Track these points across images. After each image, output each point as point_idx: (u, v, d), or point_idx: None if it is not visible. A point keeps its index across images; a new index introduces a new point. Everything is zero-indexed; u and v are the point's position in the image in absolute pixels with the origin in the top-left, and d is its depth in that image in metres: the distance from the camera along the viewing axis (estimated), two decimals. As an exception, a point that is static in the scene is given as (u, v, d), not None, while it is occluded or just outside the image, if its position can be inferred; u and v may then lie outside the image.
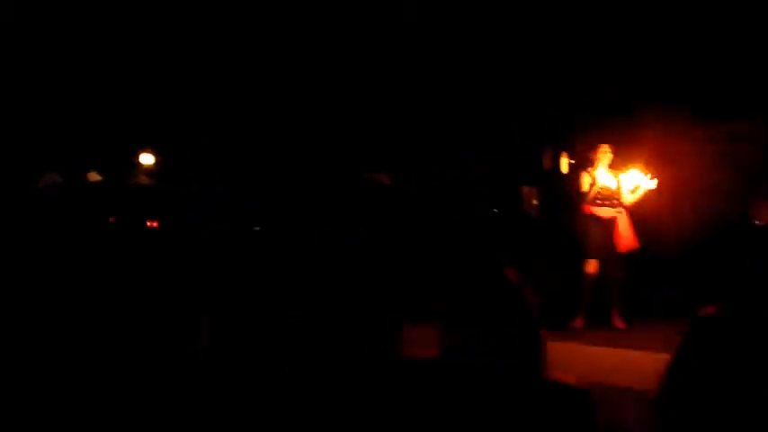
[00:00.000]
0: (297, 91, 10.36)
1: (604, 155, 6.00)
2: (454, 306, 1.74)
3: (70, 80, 11.22)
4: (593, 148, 6.09)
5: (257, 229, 10.92)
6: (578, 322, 5.95)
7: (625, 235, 5.84)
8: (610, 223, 5.83)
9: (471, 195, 9.64)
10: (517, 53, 8.98)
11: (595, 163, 6.02)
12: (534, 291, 1.76)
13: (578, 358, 4.62)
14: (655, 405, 1.49)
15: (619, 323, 5.93)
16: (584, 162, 6.23)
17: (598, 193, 5.88)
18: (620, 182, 5.92)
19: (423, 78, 9.60)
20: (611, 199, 5.90)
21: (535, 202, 11.34)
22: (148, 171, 13.30)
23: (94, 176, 11.93)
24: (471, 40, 9.15)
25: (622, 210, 5.89)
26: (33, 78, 10.76)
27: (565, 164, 11.09)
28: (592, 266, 5.88)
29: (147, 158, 13.58)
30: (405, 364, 1.90)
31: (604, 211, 5.88)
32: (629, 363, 4.60)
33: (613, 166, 6.06)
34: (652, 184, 5.69)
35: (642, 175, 5.81)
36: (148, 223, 11.07)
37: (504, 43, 9.06)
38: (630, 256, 5.96)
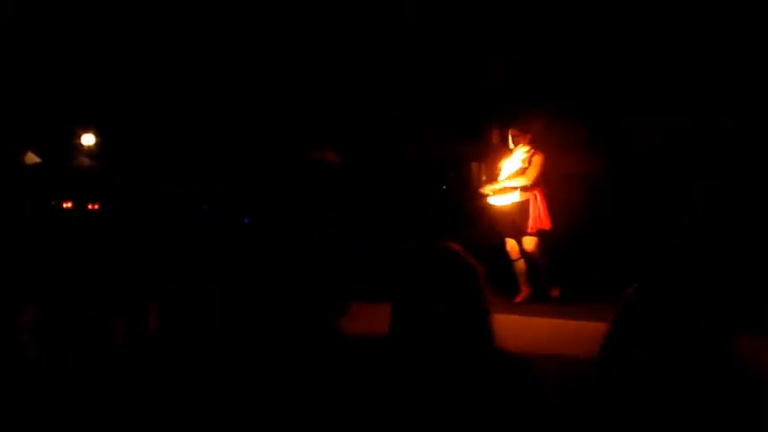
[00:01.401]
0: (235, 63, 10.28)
1: (520, 139, 6.20)
2: (404, 282, 1.75)
3: (5, 54, 10.80)
4: (512, 132, 6.27)
5: (205, 208, 10.81)
6: (520, 297, 6.11)
7: (534, 216, 6.04)
8: (521, 205, 6.03)
9: (419, 173, 9.70)
10: (462, 34, 9.07)
11: (510, 147, 6.23)
12: (480, 264, 1.80)
13: (522, 330, 4.73)
14: (594, 370, 1.55)
15: (553, 292, 6.13)
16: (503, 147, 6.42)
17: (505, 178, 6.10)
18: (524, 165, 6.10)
19: (369, 52, 9.60)
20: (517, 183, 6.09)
21: (484, 178, 11.48)
22: (90, 152, 12.93)
23: (32, 158, 11.54)
24: (417, 15, 9.19)
25: (532, 192, 6.07)
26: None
27: (512, 140, 11.24)
28: (508, 245, 6.11)
29: (88, 139, 13.19)
30: (352, 340, 1.91)
31: (512, 196, 6.10)
32: (571, 333, 4.73)
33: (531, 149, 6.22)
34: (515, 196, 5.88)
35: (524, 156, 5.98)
36: (90, 206, 10.82)
37: (451, 22, 9.13)
38: (554, 235, 6.17)
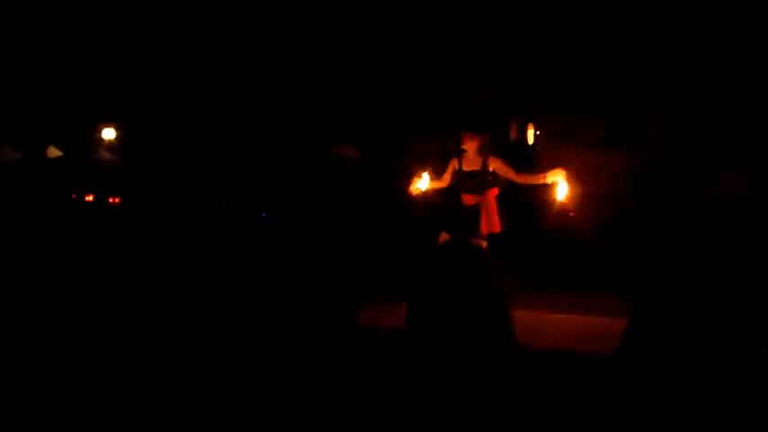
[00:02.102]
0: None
1: (470, 142, 6.23)
2: (423, 280, 1.75)
3: (28, 51, 10.95)
4: (463, 135, 6.28)
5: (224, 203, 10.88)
6: None
7: (486, 219, 6.08)
8: (474, 208, 6.10)
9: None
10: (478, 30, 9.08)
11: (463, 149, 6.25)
12: (499, 262, 1.79)
13: (539, 325, 4.71)
14: (612, 365, 1.55)
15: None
16: (455, 148, 6.42)
17: (461, 178, 6.16)
18: (488, 168, 6.15)
19: (388, 51, 9.61)
20: (475, 185, 6.14)
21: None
22: (110, 146, 13.06)
23: (54, 152, 11.68)
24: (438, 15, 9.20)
25: (487, 195, 6.11)
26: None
27: (531, 135, 11.17)
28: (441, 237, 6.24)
29: (108, 133, 13.31)
30: (368, 337, 1.92)
31: (467, 198, 6.17)
32: (586, 328, 4.71)
33: (483, 152, 6.27)
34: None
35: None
36: (110, 200, 10.93)
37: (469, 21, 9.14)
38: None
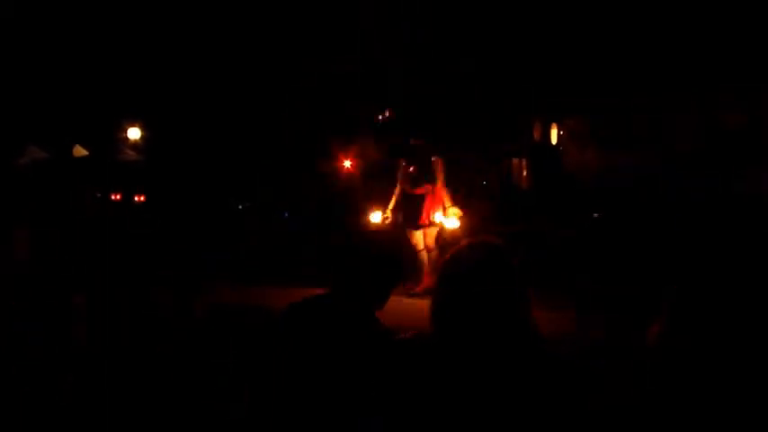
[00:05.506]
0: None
1: (416, 143, 6.64)
2: (444, 278, 1.75)
3: (54, 51, 11.14)
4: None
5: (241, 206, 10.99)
6: (419, 287, 6.32)
7: (427, 211, 6.46)
8: (419, 200, 6.44)
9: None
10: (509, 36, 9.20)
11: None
12: (518, 258, 1.79)
13: (555, 323, 4.68)
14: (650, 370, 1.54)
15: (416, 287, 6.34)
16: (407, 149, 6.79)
17: (409, 175, 6.52)
18: (430, 168, 6.50)
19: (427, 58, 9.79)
20: (419, 180, 6.48)
21: (525, 173, 11.41)
22: (135, 146, 13.24)
23: (80, 151, 11.86)
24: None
25: (430, 189, 6.47)
26: (15, 49, 10.66)
27: (555, 135, 11.15)
28: (412, 237, 6.55)
29: (134, 133, 13.50)
30: (393, 340, 1.90)
31: (413, 191, 6.60)
32: (594, 325, 4.68)
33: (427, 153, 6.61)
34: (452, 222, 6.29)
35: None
36: (136, 198, 11.08)
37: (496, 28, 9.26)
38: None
